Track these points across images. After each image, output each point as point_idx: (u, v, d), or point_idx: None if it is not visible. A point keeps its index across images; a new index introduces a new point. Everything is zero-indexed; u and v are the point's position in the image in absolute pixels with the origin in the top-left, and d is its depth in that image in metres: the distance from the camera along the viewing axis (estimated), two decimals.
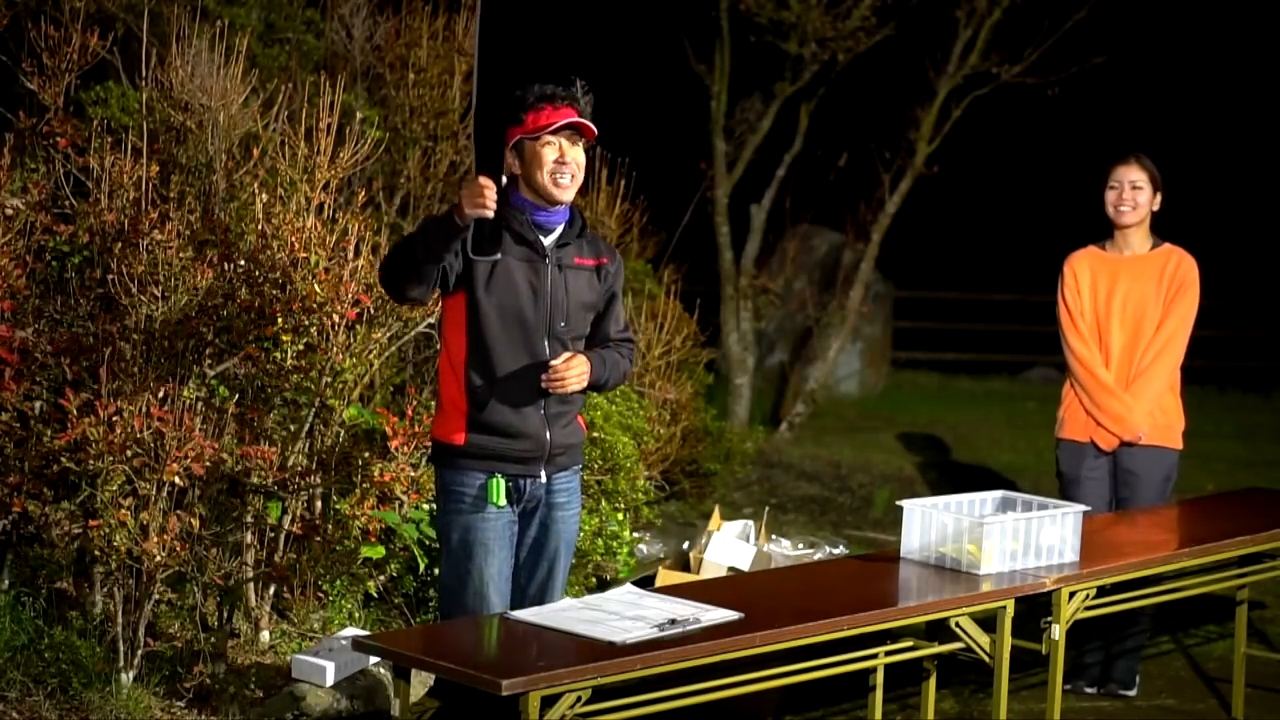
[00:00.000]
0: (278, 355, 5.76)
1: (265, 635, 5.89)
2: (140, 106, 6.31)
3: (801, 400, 11.59)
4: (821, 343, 12.30)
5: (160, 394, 5.42)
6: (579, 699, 3.63)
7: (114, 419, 5.31)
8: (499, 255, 4.25)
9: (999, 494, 5.20)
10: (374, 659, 5.27)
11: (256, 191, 6.02)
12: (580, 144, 4.32)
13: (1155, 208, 6.00)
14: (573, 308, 4.36)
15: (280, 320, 5.71)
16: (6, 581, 5.70)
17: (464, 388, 4.31)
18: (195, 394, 5.66)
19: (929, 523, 4.84)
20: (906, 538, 4.89)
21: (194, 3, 6.83)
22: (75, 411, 5.36)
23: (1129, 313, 5.96)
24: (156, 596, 5.50)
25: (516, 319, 4.26)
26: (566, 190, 4.29)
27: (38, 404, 5.55)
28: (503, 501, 4.29)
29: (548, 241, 4.33)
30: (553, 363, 4.26)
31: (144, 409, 5.35)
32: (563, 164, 4.26)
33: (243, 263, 5.76)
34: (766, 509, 7.85)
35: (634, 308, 8.79)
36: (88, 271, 5.77)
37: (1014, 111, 13.38)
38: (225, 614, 5.80)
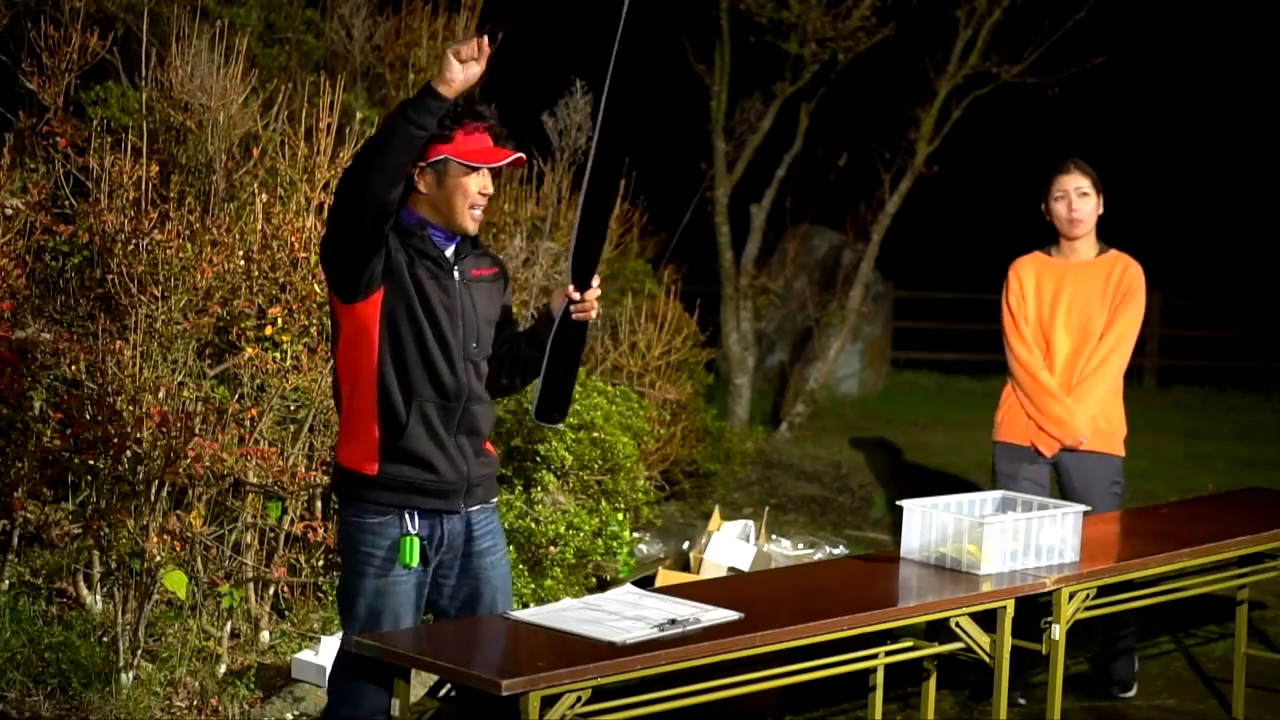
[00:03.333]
0: (278, 355, 5.76)
1: (265, 635, 5.89)
2: (140, 106, 6.31)
3: (801, 400, 11.59)
4: (821, 343, 12.30)
5: (160, 394, 5.42)
6: (579, 699, 3.63)
7: (114, 419, 5.31)
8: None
9: (999, 494, 5.21)
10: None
11: (256, 191, 6.02)
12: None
13: (1100, 212, 5.89)
14: (482, 325, 4.04)
15: (280, 320, 5.72)
16: (6, 582, 5.70)
17: (378, 411, 3.93)
18: (195, 394, 5.67)
19: (929, 523, 4.84)
20: (906, 538, 4.88)
21: (194, 3, 6.83)
22: (75, 411, 5.37)
23: (1074, 319, 5.84)
24: (156, 596, 5.50)
25: (435, 336, 3.92)
26: (478, 223, 3.98)
27: (38, 403, 5.55)
28: (415, 563, 3.94)
29: (450, 255, 3.99)
30: (587, 295, 3.96)
31: (144, 409, 5.35)
32: (485, 196, 3.96)
33: (243, 263, 5.76)
34: (766, 509, 7.85)
35: (634, 308, 8.80)
36: (88, 271, 5.77)
37: (1014, 111, 13.38)
38: (225, 614, 5.80)
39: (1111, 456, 5.90)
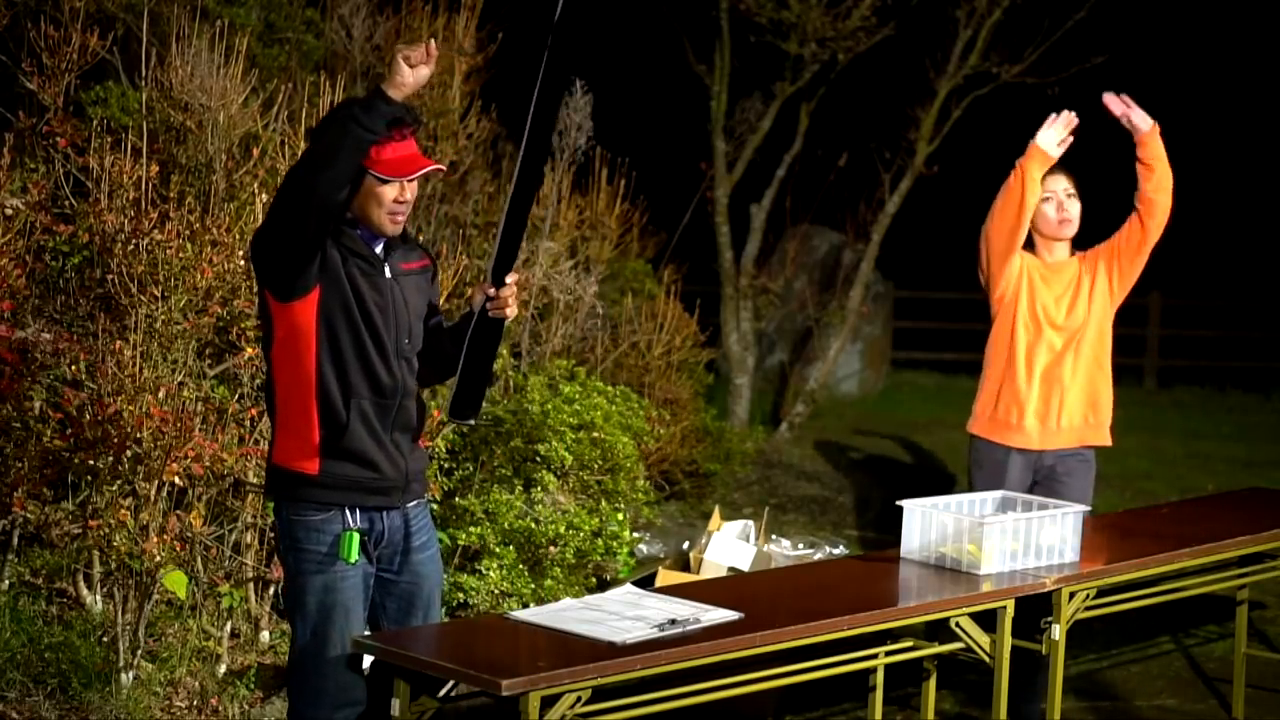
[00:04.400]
0: None
1: (265, 635, 5.89)
2: (140, 106, 6.31)
3: (801, 400, 11.59)
4: (821, 343, 12.30)
5: (160, 394, 5.42)
6: (579, 699, 3.63)
7: (114, 419, 5.31)
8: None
9: (999, 494, 5.21)
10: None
11: (256, 191, 6.02)
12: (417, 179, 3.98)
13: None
14: (413, 320, 4.04)
15: None
16: (6, 582, 5.70)
17: (317, 410, 3.90)
18: (195, 394, 5.67)
19: (929, 523, 4.84)
20: (906, 538, 4.89)
21: (194, 3, 6.83)
22: (75, 411, 5.37)
23: (1046, 320, 5.60)
24: (156, 596, 5.50)
25: (370, 334, 3.91)
26: (400, 227, 3.97)
27: (37, 404, 5.55)
28: (355, 558, 3.94)
29: (379, 250, 3.99)
30: (502, 292, 3.93)
31: (144, 409, 5.35)
32: (401, 204, 3.93)
33: (243, 263, 5.76)
34: (766, 509, 7.85)
35: (634, 308, 8.80)
36: (88, 271, 5.77)
37: (1014, 111, 13.37)
38: (225, 614, 5.80)
39: (1096, 449, 5.71)
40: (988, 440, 5.65)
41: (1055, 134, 5.48)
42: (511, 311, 4.00)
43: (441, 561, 4.26)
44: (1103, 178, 6.87)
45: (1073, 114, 5.51)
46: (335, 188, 3.74)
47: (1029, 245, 5.67)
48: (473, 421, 4.30)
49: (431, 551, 4.16)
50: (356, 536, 3.94)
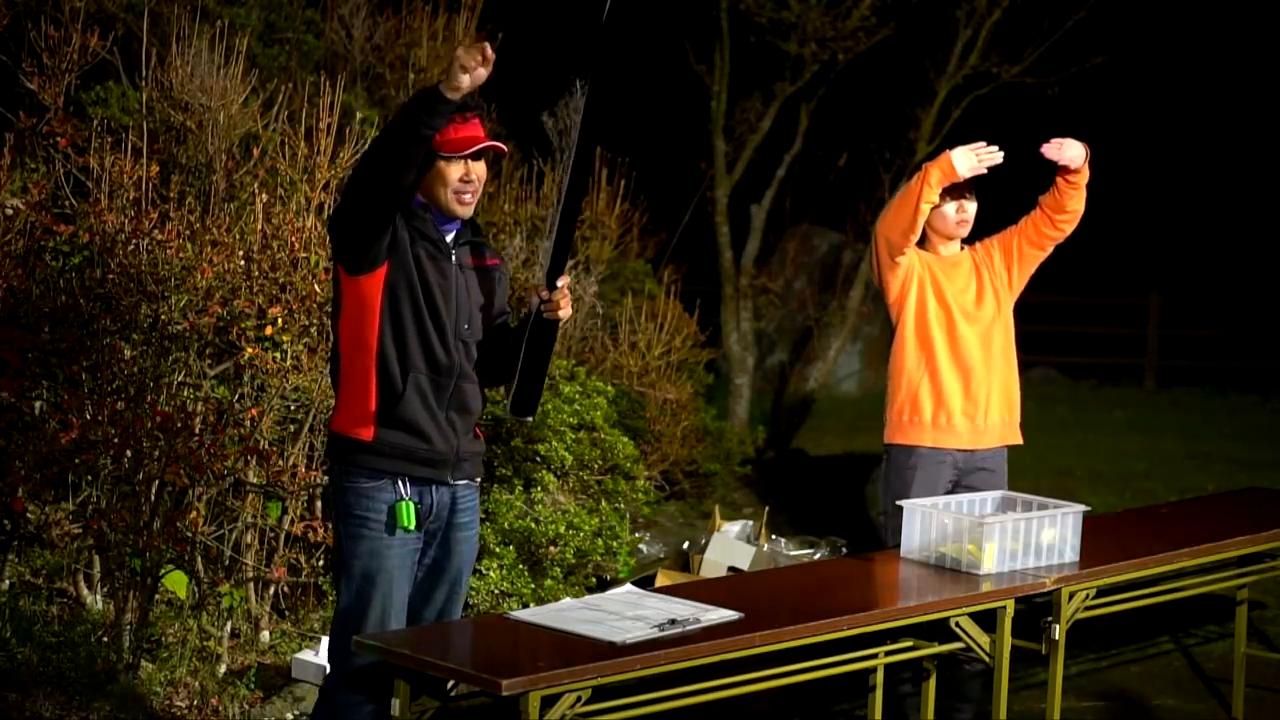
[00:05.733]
0: (278, 355, 5.76)
1: (265, 635, 5.89)
2: (140, 106, 6.31)
3: (801, 400, 11.60)
4: (821, 343, 12.31)
5: (160, 394, 5.42)
6: (579, 699, 3.63)
7: (114, 419, 5.31)
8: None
9: (999, 494, 5.20)
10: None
11: (256, 191, 6.02)
12: (483, 158, 4.14)
13: None
14: (474, 308, 4.20)
15: (280, 320, 5.72)
16: (6, 581, 5.70)
17: (375, 380, 4.08)
18: (195, 394, 5.67)
19: (929, 523, 4.84)
20: (906, 538, 4.89)
21: (194, 3, 6.84)
22: (75, 411, 5.36)
23: (960, 311, 5.41)
24: (156, 596, 5.50)
25: (430, 313, 4.08)
26: (469, 207, 4.14)
27: (38, 403, 5.55)
28: (412, 525, 4.06)
29: (450, 239, 4.18)
30: (560, 283, 4.12)
31: (144, 409, 5.35)
32: (468, 183, 4.10)
33: (243, 263, 5.76)
34: (766, 509, 7.86)
35: (634, 308, 8.80)
36: (88, 271, 5.77)
37: (1014, 111, 13.38)
38: (225, 614, 5.80)
39: (1011, 448, 5.51)
40: (913, 446, 5.34)
41: (971, 160, 5.36)
42: (564, 313, 4.16)
43: (477, 547, 4.36)
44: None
45: (999, 154, 5.38)
46: (398, 174, 3.92)
47: (921, 242, 5.49)
48: (530, 418, 4.51)
49: (470, 533, 4.27)
50: (413, 505, 4.07)
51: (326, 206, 5.96)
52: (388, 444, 4.07)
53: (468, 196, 4.12)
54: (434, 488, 4.14)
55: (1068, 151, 5.39)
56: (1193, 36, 19.11)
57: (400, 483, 4.09)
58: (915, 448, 5.33)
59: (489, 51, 3.84)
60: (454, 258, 4.16)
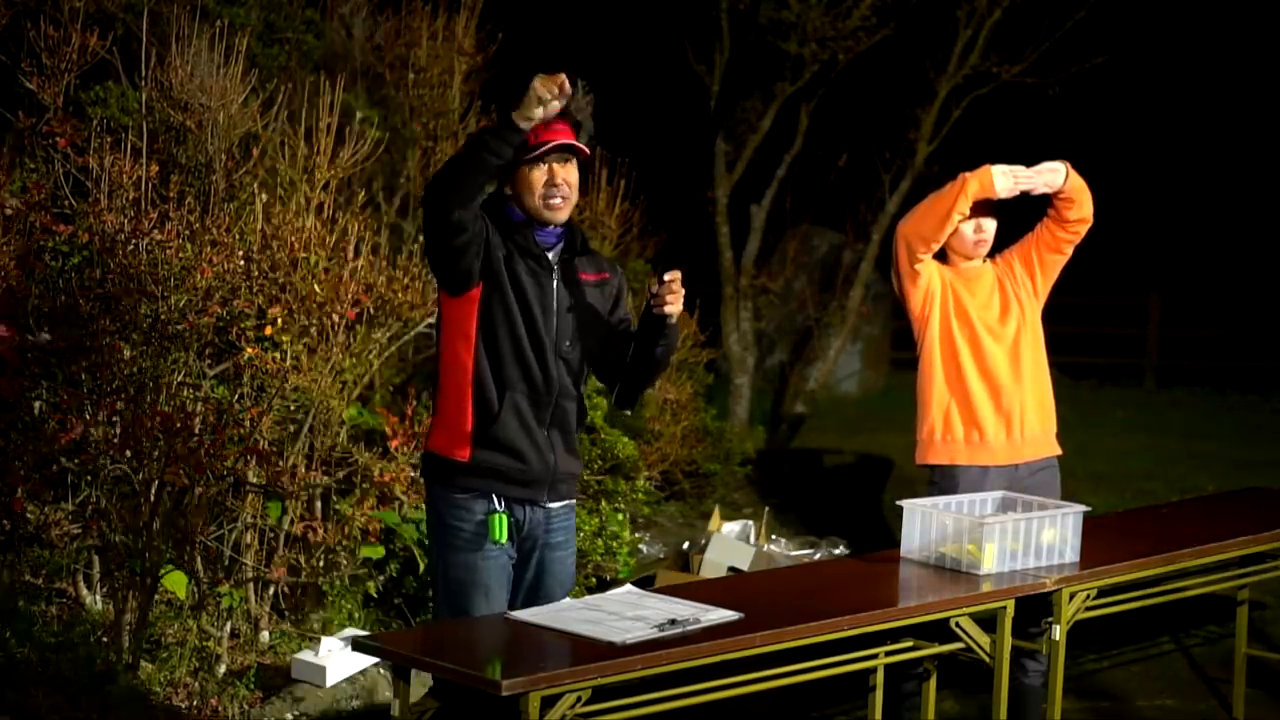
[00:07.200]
0: (277, 355, 5.76)
1: (265, 635, 5.89)
2: (140, 106, 6.31)
3: (801, 400, 11.59)
4: (821, 343, 12.31)
5: (160, 394, 5.42)
6: (579, 699, 3.63)
7: (114, 419, 5.31)
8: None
9: (999, 494, 5.20)
10: (373, 659, 5.28)
11: (256, 191, 6.02)
12: (573, 162, 4.10)
13: None
14: (577, 325, 4.17)
15: (280, 320, 5.72)
16: (7, 581, 5.70)
17: (472, 400, 4.08)
18: (195, 394, 5.66)
19: (929, 523, 4.84)
20: (906, 538, 4.88)
21: (194, 3, 6.83)
22: (75, 411, 5.36)
23: (984, 327, 5.40)
24: (156, 596, 5.50)
25: (528, 332, 4.07)
26: (560, 212, 4.09)
27: (37, 404, 5.55)
28: (504, 538, 4.07)
29: (551, 255, 4.15)
30: (667, 277, 4.06)
31: (144, 409, 5.35)
32: (553, 186, 4.06)
33: (243, 263, 5.76)
34: (766, 509, 7.86)
35: (634, 308, 8.79)
36: (88, 271, 5.77)
37: (1014, 111, 13.38)
38: (225, 614, 5.80)
39: (1057, 458, 5.53)
40: (953, 465, 5.33)
41: (1009, 182, 5.32)
42: (672, 307, 4.11)
43: (574, 568, 4.33)
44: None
45: (1034, 180, 5.33)
46: (462, 202, 3.91)
47: (941, 256, 5.47)
48: (629, 411, 4.55)
49: (566, 554, 4.25)
50: (506, 518, 4.07)
51: (327, 206, 5.96)
52: (484, 464, 4.08)
53: (556, 200, 4.07)
54: (527, 506, 4.13)
55: (1043, 179, 5.33)
56: (1193, 36, 19.12)
57: (495, 499, 4.09)
58: (953, 466, 5.35)
59: (565, 83, 3.83)
60: (556, 273, 4.12)
